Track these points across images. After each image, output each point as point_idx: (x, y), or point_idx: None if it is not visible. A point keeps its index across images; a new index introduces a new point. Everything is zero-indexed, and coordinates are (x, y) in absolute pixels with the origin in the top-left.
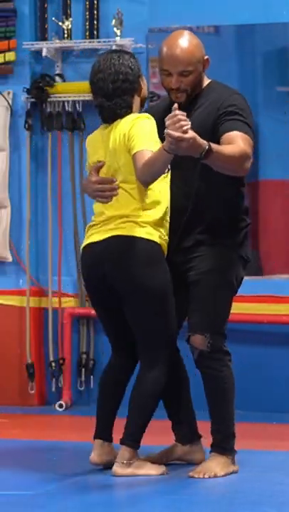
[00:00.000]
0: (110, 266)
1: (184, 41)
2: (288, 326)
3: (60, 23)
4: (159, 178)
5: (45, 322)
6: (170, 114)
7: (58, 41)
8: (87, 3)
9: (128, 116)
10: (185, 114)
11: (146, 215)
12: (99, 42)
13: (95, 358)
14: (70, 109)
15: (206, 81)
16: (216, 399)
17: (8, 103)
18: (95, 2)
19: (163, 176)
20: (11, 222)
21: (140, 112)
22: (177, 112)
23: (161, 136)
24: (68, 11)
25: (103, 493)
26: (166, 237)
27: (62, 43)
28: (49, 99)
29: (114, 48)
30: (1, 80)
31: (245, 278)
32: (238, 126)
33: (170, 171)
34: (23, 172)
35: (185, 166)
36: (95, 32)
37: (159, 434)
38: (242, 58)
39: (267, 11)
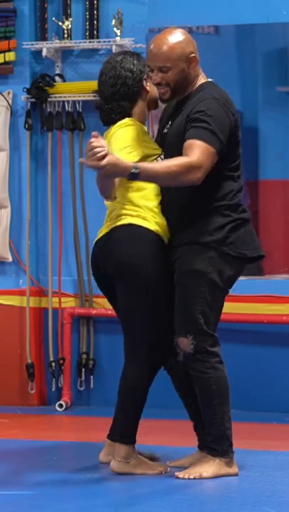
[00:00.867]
0: (104, 256)
1: (167, 38)
2: (288, 326)
3: (60, 23)
4: None
5: (45, 322)
6: (87, 142)
7: (58, 41)
8: (87, 3)
9: (118, 122)
10: (100, 140)
11: (140, 209)
12: (99, 42)
13: (95, 358)
14: (70, 109)
15: (201, 81)
16: (202, 401)
17: (8, 103)
18: (95, 2)
19: None
20: (11, 222)
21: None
22: (92, 139)
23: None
24: (68, 11)
25: (103, 493)
26: (163, 228)
27: (62, 43)
28: (49, 99)
29: (114, 48)
30: (1, 80)
31: (245, 278)
32: (198, 133)
33: None
34: (23, 172)
35: None
36: (95, 32)
37: (163, 433)
38: (242, 58)
39: (267, 11)
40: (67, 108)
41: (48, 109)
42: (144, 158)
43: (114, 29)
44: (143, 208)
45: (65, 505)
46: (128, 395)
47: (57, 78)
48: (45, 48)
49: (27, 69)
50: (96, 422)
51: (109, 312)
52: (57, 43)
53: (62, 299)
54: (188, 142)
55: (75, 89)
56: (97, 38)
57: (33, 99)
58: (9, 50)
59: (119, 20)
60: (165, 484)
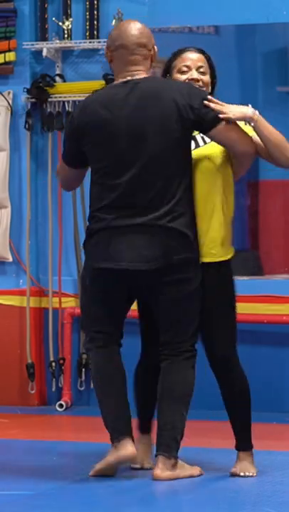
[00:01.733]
0: None
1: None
2: (288, 326)
3: (60, 23)
4: None
5: (45, 322)
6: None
7: (58, 41)
8: (87, 3)
9: None
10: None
11: None
12: (99, 42)
13: None
14: (70, 109)
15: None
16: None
17: (8, 103)
18: (95, 2)
19: None
20: (11, 222)
21: None
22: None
23: None
24: (68, 11)
25: (104, 493)
26: None
27: (62, 43)
28: (49, 99)
29: None
30: (1, 79)
31: (245, 278)
32: None
33: None
34: (23, 172)
35: None
36: (95, 32)
37: None
38: (242, 58)
39: (267, 11)
40: (67, 108)
41: (48, 110)
42: None
43: None
44: None
45: (65, 505)
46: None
47: (57, 78)
48: (46, 48)
49: (27, 69)
50: (96, 422)
51: None
52: (57, 43)
53: (63, 299)
54: None
55: (76, 90)
56: (98, 38)
57: (33, 100)
58: (9, 50)
59: (119, 21)
60: (166, 485)
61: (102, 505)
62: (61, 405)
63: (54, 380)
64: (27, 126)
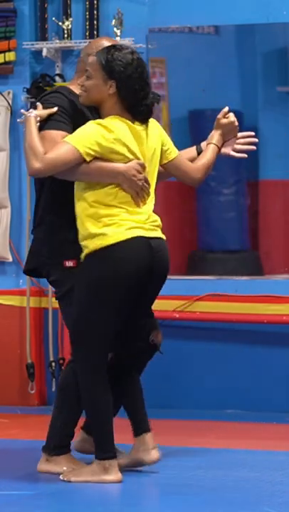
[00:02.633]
0: (161, 257)
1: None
2: (288, 326)
3: (60, 23)
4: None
5: (45, 322)
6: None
7: (58, 41)
8: (87, 3)
9: (151, 118)
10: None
11: None
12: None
13: None
14: None
15: None
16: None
17: (8, 103)
18: (95, 2)
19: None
20: (11, 222)
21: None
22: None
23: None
24: (68, 11)
25: (103, 493)
26: None
27: (62, 43)
28: None
29: None
30: (1, 80)
31: (245, 278)
32: None
33: None
34: (23, 172)
35: None
36: (95, 32)
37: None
38: (242, 58)
39: (267, 11)
40: None
41: None
42: None
43: (114, 29)
44: None
45: (65, 505)
46: None
47: (57, 78)
48: (45, 47)
49: (27, 69)
50: None
51: None
52: (57, 43)
53: None
54: None
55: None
56: (97, 37)
57: (33, 100)
58: (9, 50)
59: (119, 20)
60: (166, 484)
61: (102, 505)
62: None
63: (54, 380)
64: None
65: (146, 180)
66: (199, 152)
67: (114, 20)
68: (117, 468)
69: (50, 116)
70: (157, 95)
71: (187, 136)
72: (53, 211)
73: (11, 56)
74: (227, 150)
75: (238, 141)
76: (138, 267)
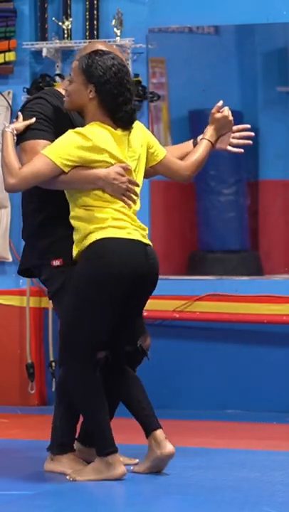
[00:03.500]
0: (152, 262)
1: None
2: (288, 326)
3: (60, 23)
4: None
5: (45, 322)
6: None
7: (58, 41)
8: (87, 3)
9: (136, 122)
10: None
11: None
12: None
13: None
14: None
15: None
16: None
17: (8, 103)
18: (95, 2)
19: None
20: (11, 222)
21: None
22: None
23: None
24: (68, 11)
25: (103, 493)
26: None
27: (62, 43)
28: None
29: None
30: (1, 80)
31: (245, 278)
32: None
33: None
34: None
35: None
36: (95, 32)
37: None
38: (242, 58)
39: (267, 11)
40: None
41: None
42: None
43: (114, 29)
44: None
45: (66, 505)
46: None
47: (57, 78)
48: (45, 48)
49: (27, 69)
50: None
51: None
52: (57, 43)
53: None
54: None
55: None
56: (97, 38)
57: None
58: (9, 50)
59: (119, 20)
60: (166, 484)
61: (102, 505)
62: None
63: (54, 380)
64: None
65: (131, 182)
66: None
67: (114, 20)
68: (120, 463)
69: (30, 125)
70: (157, 95)
71: (187, 136)
72: (37, 209)
73: (11, 56)
74: (223, 145)
75: (234, 135)
76: (133, 269)
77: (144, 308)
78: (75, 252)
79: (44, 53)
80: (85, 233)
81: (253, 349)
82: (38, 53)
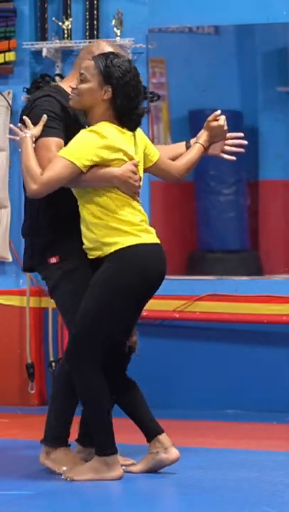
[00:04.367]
0: (164, 261)
1: None
2: (288, 326)
3: (60, 23)
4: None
5: (45, 322)
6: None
7: (58, 41)
8: (87, 3)
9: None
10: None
11: None
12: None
13: None
14: None
15: None
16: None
17: (8, 103)
18: (95, 2)
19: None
20: (11, 222)
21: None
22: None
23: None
24: (68, 11)
25: (103, 493)
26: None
27: (62, 43)
28: None
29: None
30: (1, 80)
31: (245, 278)
32: None
33: None
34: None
35: None
36: (95, 32)
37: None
38: (242, 58)
39: (267, 11)
40: None
41: None
42: None
43: (114, 29)
44: None
45: (65, 505)
46: None
47: (57, 78)
48: (45, 47)
49: (27, 69)
50: None
51: None
52: (57, 43)
53: None
54: None
55: None
56: (97, 38)
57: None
58: (9, 50)
59: (119, 20)
60: (166, 484)
61: (102, 505)
62: None
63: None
64: None
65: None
66: (188, 148)
67: (114, 20)
68: (119, 464)
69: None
70: (157, 95)
71: (187, 136)
72: (39, 208)
73: (11, 56)
74: (216, 151)
75: (227, 142)
76: (160, 274)
77: (144, 308)
78: (93, 253)
79: (44, 53)
80: (107, 236)
81: (253, 349)
82: (38, 53)
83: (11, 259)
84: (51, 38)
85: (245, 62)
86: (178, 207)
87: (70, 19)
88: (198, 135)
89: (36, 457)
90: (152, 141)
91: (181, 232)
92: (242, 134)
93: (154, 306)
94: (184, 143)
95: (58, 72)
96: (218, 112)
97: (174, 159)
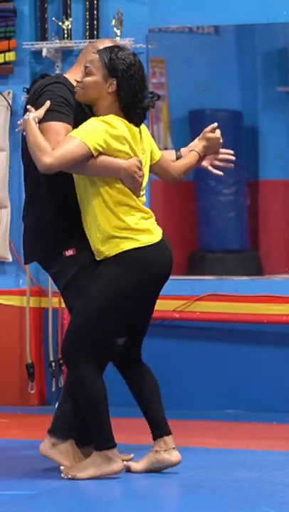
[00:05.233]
0: (170, 255)
1: None
2: (288, 326)
3: (60, 23)
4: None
5: (45, 322)
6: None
7: (58, 41)
8: (87, 3)
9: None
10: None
11: None
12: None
13: None
14: None
15: None
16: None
17: (8, 103)
18: (95, 2)
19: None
20: (11, 222)
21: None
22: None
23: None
24: (68, 11)
25: (103, 493)
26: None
27: (62, 43)
28: None
29: None
30: (1, 80)
31: (245, 278)
32: None
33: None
34: (23, 172)
35: None
36: (95, 32)
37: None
38: (242, 58)
39: (267, 11)
40: None
41: None
42: None
43: (114, 29)
44: None
45: (65, 505)
46: None
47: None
48: (45, 47)
49: (27, 69)
50: None
51: None
52: (57, 43)
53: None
54: None
55: None
56: (97, 38)
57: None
58: (9, 50)
59: (119, 20)
60: (166, 484)
61: (102, 505)
62: None
63: (54, 380)
64: None
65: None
66: (178, 157)
67: (114, 20)
68: (119, 457)
69: (50, 107)
70: (157, 95)
71: (187, 136)
72: (44, 199)
73: (11, 56)
74: (206, 163)
75: (218, 156)
76: (166, 271)
77: None
78: (99, 251)
79: (44, 53)
80: (113, 236)
81: (253, 349)
82: (38, 53)
83: (11, 259)
84: (51, 38)
85: (245, 62)
86: (178, 207)
87: (70, 19)
88: (191, 144)
89: (36, 457)
90: None
91: (181, 232)
92: (231, 151)
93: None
94: (174, 151)
95: (58, 72)
96: (215, 124)
97: None
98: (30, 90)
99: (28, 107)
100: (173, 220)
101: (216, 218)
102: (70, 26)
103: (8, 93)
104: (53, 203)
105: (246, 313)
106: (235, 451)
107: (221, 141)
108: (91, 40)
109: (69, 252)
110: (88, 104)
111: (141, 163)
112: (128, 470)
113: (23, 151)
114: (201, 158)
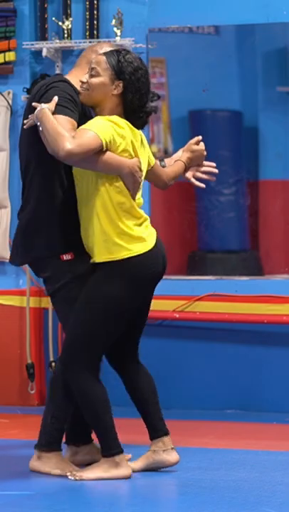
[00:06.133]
0: (163, 256)
1: None
2: (288, 326)
3: (60, 23)
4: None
5: (45, 322)
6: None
7: (58, 41)
8: (87, 3)
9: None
10: None
11: None
12: (99, 42)
13: None
14: None
15: None
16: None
17: (8, 103)
18: (95, 2)
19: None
20: (11, 222)
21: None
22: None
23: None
24: (68, 11)
25: (103, 493)
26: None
27: (62, 43)
28: None
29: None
30: (1, 80)
31: (245, 278)
32: None
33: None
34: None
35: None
36: (95, 32)
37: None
38: (242, 58)
39: (267, 11)
40: None
41: None
42: None
43: (114, 29)
44: None
45: (66, 505)
46: None
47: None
48: (45, 48)
49: (27, 69)
50: None
51: None
52: (57, 43)
53: None
54: None
55: None
56: (97, 38)
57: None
58: (9, 50)
59: (119, 20)
60: (166, 484)
61: (102, 505)
62: None
63: None
64: None
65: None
66: (162, 167)
67: (114, 20)
68: (127, 463)
69: (58, 102)
70: (157, 95)
71: (187, 136)
72: (41, 201)
73: (11, 56)
74: (188, 175)
75: (200, 169)
76: (157, 275)
77: None
78: (92, 251)
79: (44, 53)
80: (108, 240)
81: (253, 349)
82: (38, 53)
83: None
84: (51, 38)
85: (245, 62)
86: (178, 207)
87: (70, 19)
88: (174, 156)
89: None
90: (152, 141)
91: (181, 232)
92: (214, 164)
93: (154, 306)
94: (158, 160)
95: (58, 72)
96: (200, 137)
97: None
98: (32, 90)
99: (35, 104)
100: (173, 220)
101: (216, 218)
102: (70, 26)
103: (8, 93)
104: (50, 202)
105: (246, 314)
106: (235, 451)
107: (205, 153)
108: (91, 40)
109: (67, 257)
110: (91, 106)
111: (141, 164)
112: None
113: (21, 146)
114: (186, 168)
